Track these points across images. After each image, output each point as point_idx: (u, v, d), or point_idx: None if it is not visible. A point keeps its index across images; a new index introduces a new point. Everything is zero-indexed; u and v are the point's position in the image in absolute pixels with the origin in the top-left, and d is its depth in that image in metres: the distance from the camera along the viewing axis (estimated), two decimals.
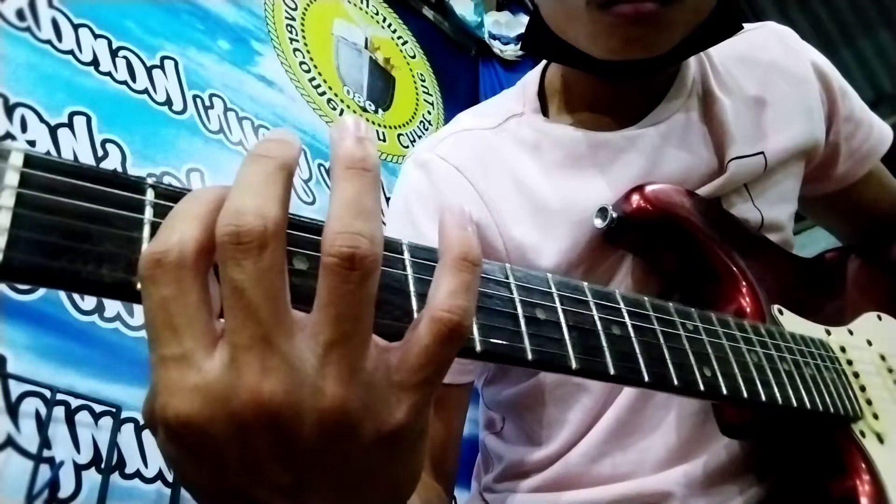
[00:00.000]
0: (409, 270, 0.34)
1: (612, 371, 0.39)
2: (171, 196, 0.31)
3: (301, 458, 0.29)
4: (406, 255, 0.34)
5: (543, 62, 0.80)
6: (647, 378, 0.41)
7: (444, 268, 0.31)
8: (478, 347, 0.34)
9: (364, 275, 0.28)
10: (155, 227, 0.29)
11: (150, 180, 0.30)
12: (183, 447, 0.29)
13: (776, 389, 0.51)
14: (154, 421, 0.29)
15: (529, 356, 0.36)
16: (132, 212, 0.29)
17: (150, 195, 0.30)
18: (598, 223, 0.65)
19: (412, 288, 0.34)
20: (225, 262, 0.28)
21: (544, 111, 0.75)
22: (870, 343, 0.69)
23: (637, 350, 0.42)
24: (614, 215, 0.64)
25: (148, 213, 0.30)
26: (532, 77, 0.79)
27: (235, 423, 0.28)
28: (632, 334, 0.42)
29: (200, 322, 0.28)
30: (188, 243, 0.28)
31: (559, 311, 0.39)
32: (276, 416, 0.28)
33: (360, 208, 0.29)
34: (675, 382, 0.43)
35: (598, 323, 0.40)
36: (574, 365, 0.38)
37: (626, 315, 0.43)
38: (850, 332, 0.68)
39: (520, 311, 0.37)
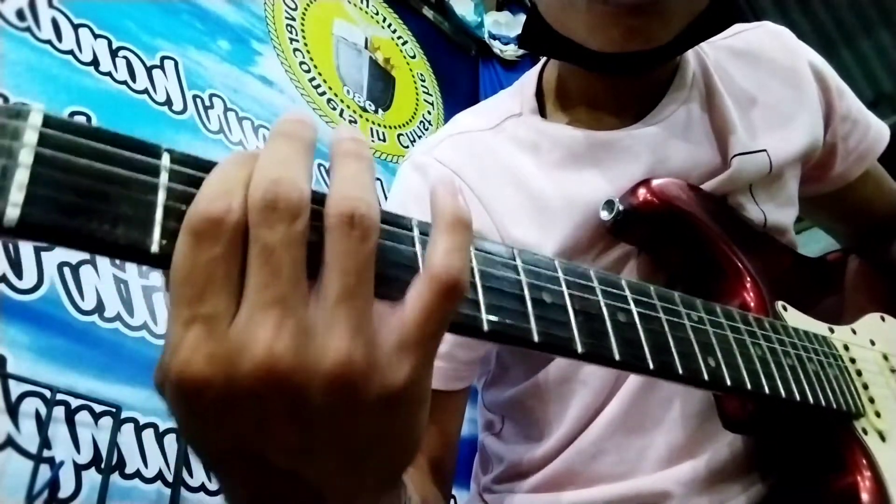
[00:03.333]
0: (419, 247, 0.34)
1: (617, 357, 0.39)
2: (186, 162, 0.31)
3: (310, 418, 0.30)
4: (416, 233, 0.35)
5: (541, 63, 0.80)
6: (651, 365, 0.41)
7: (437, 230, 0.33)
8: (485, 327, 0.34)
9: (363, 233, 0.30)
10: (170, 192, 0.30)
11: (165, 145, 0.31)
12: (198, 407, 0.29)
13: (780, 383, 0.51)
14: (169, 380, 0.29)
15: (536, 338, 0.36)
16: (148, 175, 0.29)
17: (165, 160, 0.30)
18: (605, 216, 0.65)
19: (422, 265, 0.34)
20: (259, 223, 0.29)
21: (542, 111, 0.75)
22: (873, 343, 0.69)
23: (642, 337, 0.42)
24: (621, 208, 0.64)
25: (163, 178, 0.30)
26: (530, 77, 0.79)
27: (248, 380, 0.29)
28: (637, 322, 0.42)
29: (236, 283, 0.29)
30: (243, 211, 0.29)
31: (566, 295, 0.39)
32: (286, 375, 0.29)
33: (357, 183, 0.32)
34: (680, 371, 0.43)
35: (604, 309, 0.40)
36: (580, 349, 0.38)
37: (631, 303, 0.43)
38: (854, 332, 0.68)
39: (527, 293, 0.37)
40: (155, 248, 0.29)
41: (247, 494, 0.33)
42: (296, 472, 0.32)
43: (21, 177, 0.26)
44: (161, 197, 0.29)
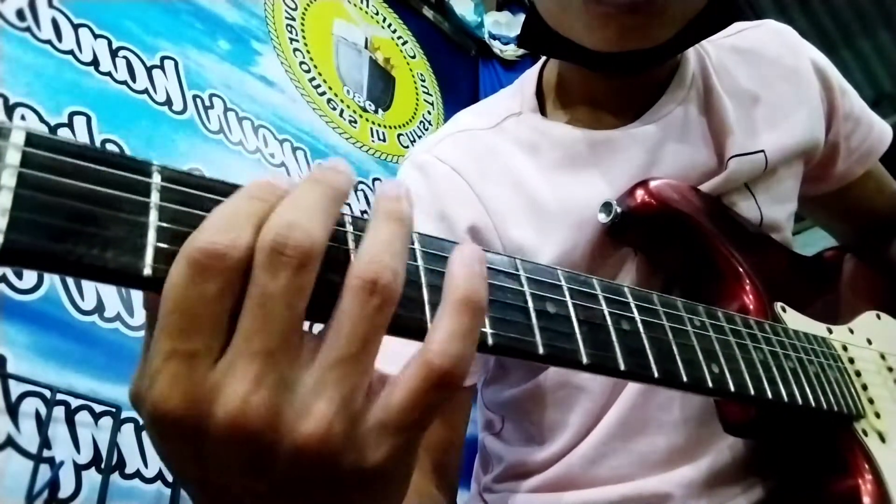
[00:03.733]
0: (420, 261, 0.33)
1: (622, 367, 0.39)
2: (177, 180, 0.30)
3: (276, 476, 0.29)
4: (417, 246, 0.34)
5: (541, 61, 0.80)
6: (656, 374, 0.41)
7: (445, 308, 0.31)
8: (489, 341, 0.34)
9: (382, 303, 0.29)
10: (163, 212, 0.28)
11: (155, 163, 0.30)
12: (170, 438, 0.29)
13: (782, 387, 0.51)
14: (144, 407, 0.29)
15: (540, 350, 0.35)
16: (138, 195, 0.28)
17: (156, 178, 0.29)
18: (603, 218, 0.65)
19: (423, 279, 0.33)
20: (263, 267, 0.28)
21: (542, 110, 0.75)
22: (870, 342, 0.69)
23: (646, 346, 0.41)
24: (618, 210, 0.64)
25: (154, 197, 0.29)
26: (530, 76, 0.79)
27: (217, 428, 0.28)
28: (641, 330, 0.41)
29: (225, 324, 0.28)
30: (248, 249, 0.28)
31: (569, 305, 0.38)
32: (256, 432, 0.28)
33: (391, 248, 0.30)
34: (684, 379, 0.42)
35: (608, 318, 0.40)
36: (585, 360, 0.37)
37: (635, 310, 0.42)
38: (851, 331, 0.68)
39: (530, 304, 0.36)
40: (147, 270, 0.27)
41: None
42: None
43: (3, 201, 0.25)
44: (153, 217, 0.28)
